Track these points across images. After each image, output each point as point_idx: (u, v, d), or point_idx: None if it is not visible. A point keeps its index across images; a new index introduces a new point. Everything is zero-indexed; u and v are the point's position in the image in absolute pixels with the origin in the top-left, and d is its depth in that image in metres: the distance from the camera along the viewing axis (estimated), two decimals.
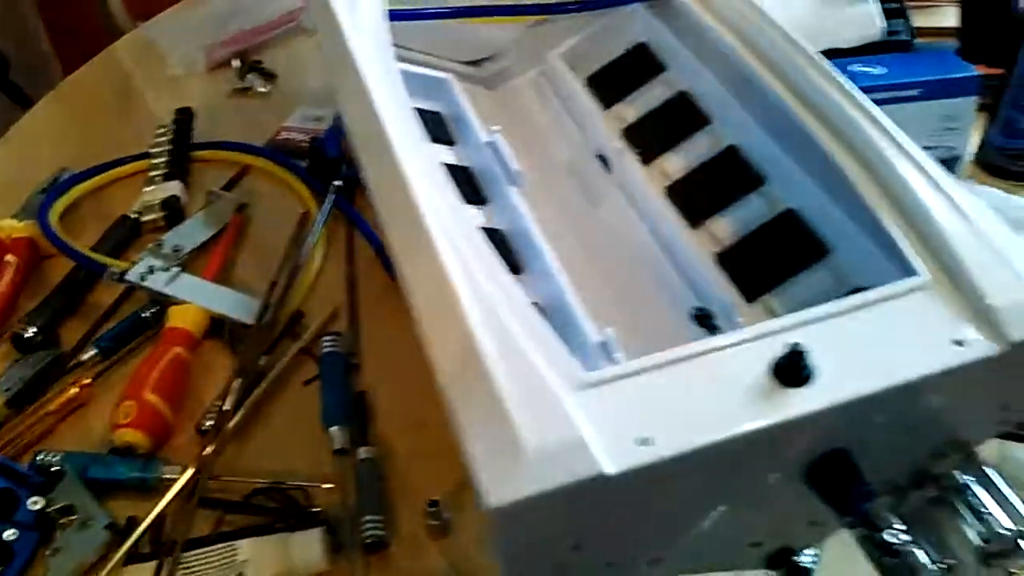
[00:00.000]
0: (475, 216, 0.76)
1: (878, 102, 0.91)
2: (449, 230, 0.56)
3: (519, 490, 0.44)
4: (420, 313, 0.53)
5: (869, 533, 0.49)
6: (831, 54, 0.97)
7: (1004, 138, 0.96)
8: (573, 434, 0.46)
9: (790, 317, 0.52)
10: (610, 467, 0.45)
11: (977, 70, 0.93)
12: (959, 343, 0.50)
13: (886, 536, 0.48)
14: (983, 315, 0.51)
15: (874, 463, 0.52)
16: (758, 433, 0.46)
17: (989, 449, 0.76)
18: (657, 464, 0.45)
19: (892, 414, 0.50)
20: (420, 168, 0.60)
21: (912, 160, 0.59)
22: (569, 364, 0.49)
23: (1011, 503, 0.54)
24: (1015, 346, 0.49)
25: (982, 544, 0.53)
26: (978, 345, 0.50)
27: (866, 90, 0.90)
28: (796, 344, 0.48)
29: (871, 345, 0.50)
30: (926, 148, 0.95)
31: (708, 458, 0.46)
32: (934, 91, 0.89)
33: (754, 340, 0.50)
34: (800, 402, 0.47)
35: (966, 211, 0.56)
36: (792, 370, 0.48)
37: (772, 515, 0.55)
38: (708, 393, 0.48)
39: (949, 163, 0.94)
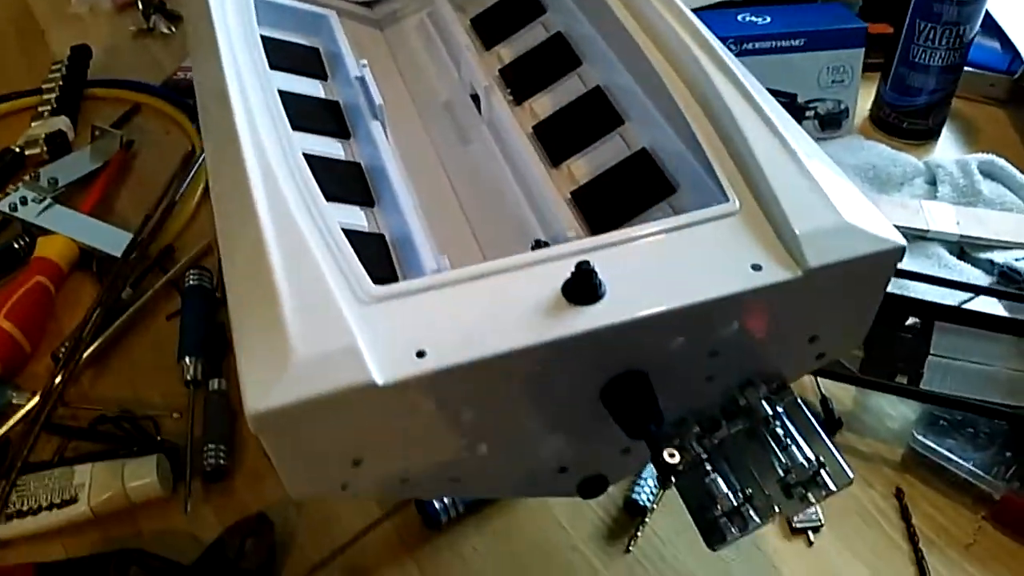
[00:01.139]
0: (322, 145, 0.74)
1: (763, 50, 0.91)
2: (266, 153, 0.55)
3: (280, 396, 0.43)
4: (219, 225, 0.52)
5: (652, 455, 0.48)
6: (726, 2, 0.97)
7: (895, 94, 0.95)
8: (347, 343, 0.45)
9: (593, 239, 0.51)
10: (380, 377, 0.44)
11: (869, 26, 0.92)
12: (757, 268, 0.49)
13: (665, 456, 0.48)
14: (786, 242, 0.50)
15: (680, 389, 0.52)
16: (535, 349, 0.46)
17: (848, 399, 0.77)
18: (429, 376, 0.45)
19: (688, 337, 0.50)
20: (246, 93, 0.59)
21: (748, 99, 0.58)
22: (361, 279, 0.49)
23: (816, 434, 0.54)
24: (812, 272, 0.49)
25: (783, 474, 0.53)
26: (775, 270, 0.49)
27: (750, 38, 0.90)
28: (584, 262, 0.47)
29: (669, 268, 0.50)
30: (816, 100, 0.95)
31: (486, 373, 0.46)
32: (819, 42, 0.89)
33: (553, 260, 0.50)
34: (582, 319, 0.47)
35: (793, 148, 0.55)
36: (580, 288, 0.47)
37: (574, 439, 0.54)
38: (496, 310, 0.47)
39: (838, 116, 0.94)
